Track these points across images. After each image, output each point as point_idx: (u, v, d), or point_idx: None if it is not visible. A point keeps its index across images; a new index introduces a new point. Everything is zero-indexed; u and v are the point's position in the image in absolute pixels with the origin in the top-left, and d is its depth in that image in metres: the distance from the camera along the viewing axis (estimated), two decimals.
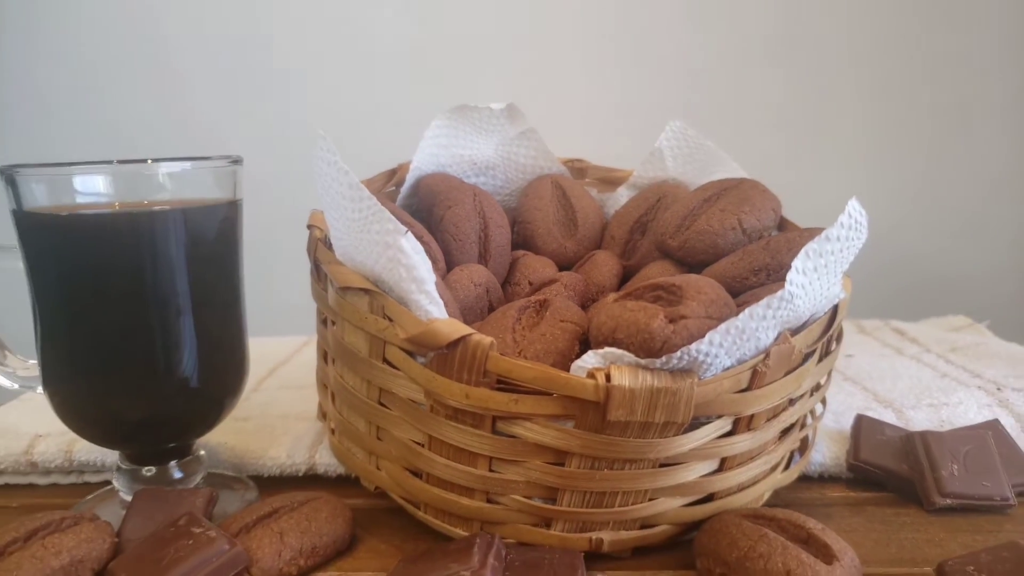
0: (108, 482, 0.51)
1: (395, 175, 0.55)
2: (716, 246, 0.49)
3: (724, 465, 0.40)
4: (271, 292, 0.84)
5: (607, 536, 0.39)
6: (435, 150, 0.55)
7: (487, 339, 0.35)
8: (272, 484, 0.49)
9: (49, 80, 0.95)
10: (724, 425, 0.38)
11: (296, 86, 0.96)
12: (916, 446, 0.48)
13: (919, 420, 0.53)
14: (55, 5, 0.93)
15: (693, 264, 0.50)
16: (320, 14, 0.94)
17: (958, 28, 0.94)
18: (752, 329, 0.35)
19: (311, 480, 0.50)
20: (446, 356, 0.36)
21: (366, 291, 0.39)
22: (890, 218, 0.98)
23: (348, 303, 0.40)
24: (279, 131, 0.96)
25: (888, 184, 0.99)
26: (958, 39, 0.94)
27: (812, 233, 0.44)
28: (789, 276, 0.35)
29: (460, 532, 0.40)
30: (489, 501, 0.39)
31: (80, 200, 0.42)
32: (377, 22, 0.95)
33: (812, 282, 0.37)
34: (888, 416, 0.54)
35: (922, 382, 0.61)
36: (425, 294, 0.37)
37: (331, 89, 0.96)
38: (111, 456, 0.50)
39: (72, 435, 0.51)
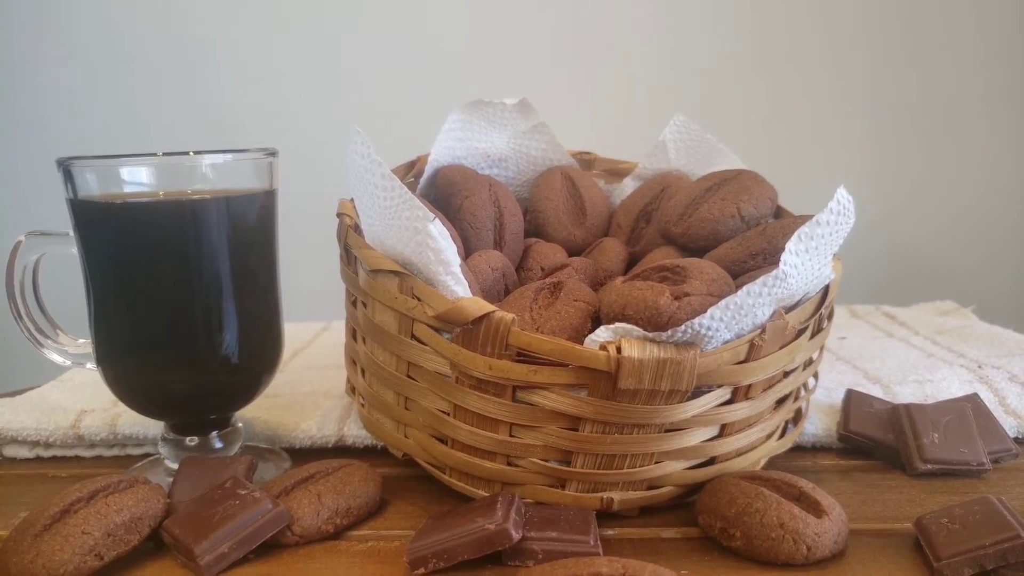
0: (148, 455, 0.54)
1: (414, 167, 0.58)
2: (716, 232, 0.52)
3: (724, 431, 0.43)
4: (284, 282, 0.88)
5: (617, 496, 0.43)
6: (451, 143, 0.58)
7: (509, 315, 0.39)
8: (303, 455, 0.53)
9: (84, 76, 1.00)
10: (724, 394, 0.42)
11: (318, 85, 1.00)
12: (901, 417, 0.51)
13: (905, 395, 0.57)
14: (93, 4, 0.98)
15: (695, 249, 0.53)
16: (340, 22, 0.99)
17: (955, 21, 0.98)
18: (749, 305, 0.38)
19: (340, 451, 0.53)
20: (471, 331, 0.40)
21: (396, 273, 0.42)
22: (883, 209, 1.02)
23: (379, 284, 0.44)
24: (282, 128, 1.00)
25: (883, 176, 1.02)
26: (955, 31, 0.98)
27: (805, 219, 0.48)
28: (783, 257, 0.39)
29: (482, 493, 0.44)
30: (509, 464, 0.43)
31: (128, 189, 0.46)
32: (395, 25, 0.99)
33: (804, 263, 0.40)
34: (876, 391, 0.58)
35: (909, 361, 0.64)
36: (452, 275, 0.40)
37: (351, 88, 1.00)
38: (152, 430, 0.54)
39: (116, 410, 0.55)
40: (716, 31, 0.98)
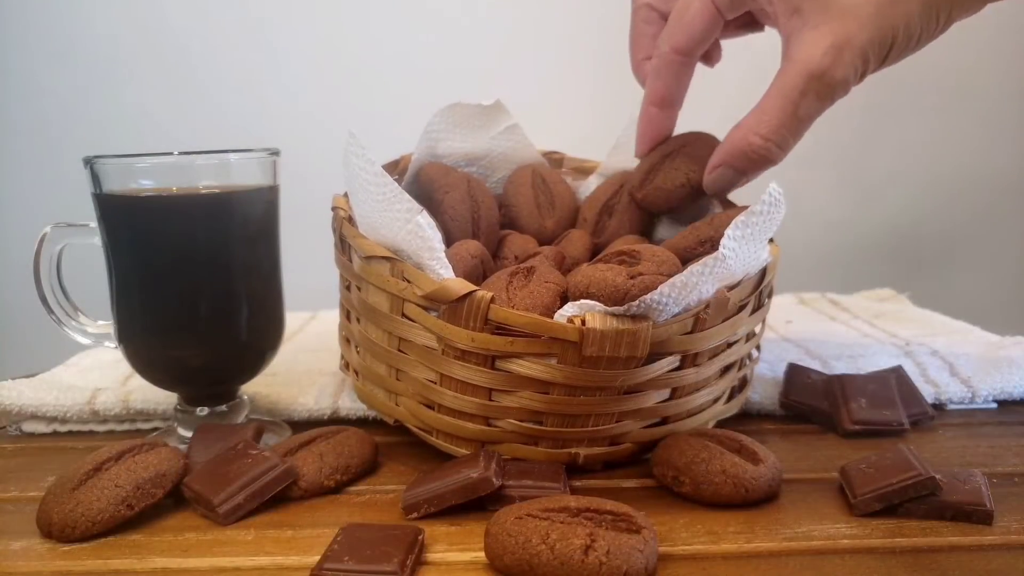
0: (156, 429, 0.59)
1: (398, 165, 0.64)
2: (669, 200, 0.59)
3: (675, 394, 0.50)
4: None
5: (582, 451, 0.49)
6: (432, 143, 0.64)
7: (488, 293, 0.45)
8: (302, 427, 0.58)
9: (89, 79, 1.05)
10: (674, 361, 0.48)
11: (308, 88, 1.06)
12: (834, 386, 0.58)
13: (839, 368, 0.64)
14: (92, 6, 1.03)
15: (655, 212, 0.61)
16: (329, 28, 1.05)
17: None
18: (694, 283, 0.45)
19: (335, 422, 0.59)
20: (456, 308, 0.46)
21: (388, 259, 0.48)
22: (833, 205, 1.10)
23: (372, 269, 0.50)
24: (276, 129, 1.05)
25: (835, 178, 1.10)
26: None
27: (745, 210, 0.54)
28: (722, 241, 0.45)
29: (465, 451, 0.50)
30: (488, 425, 0.49)
31: (144, 184, 0.51)
32: (380, 30, 1.05)
33: (742, 247, 0.47)
34: (816, 366, 0.65)
35: (847, 340, 0.72)
36: (438, 260, 0.46)
37: (338, 90, 1.06)
38: (161, 405, 0.59)
39: (128, 387, 0.60)
40: None
